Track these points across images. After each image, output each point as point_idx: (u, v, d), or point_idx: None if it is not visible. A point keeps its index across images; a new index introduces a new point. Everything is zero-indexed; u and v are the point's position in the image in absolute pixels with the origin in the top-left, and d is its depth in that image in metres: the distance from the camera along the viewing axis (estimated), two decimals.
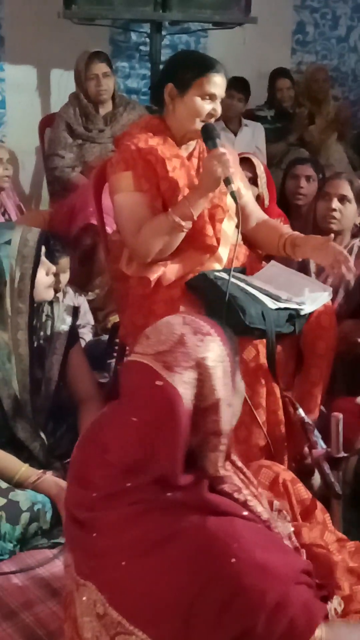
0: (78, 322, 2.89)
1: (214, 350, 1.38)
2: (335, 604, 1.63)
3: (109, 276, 3.08)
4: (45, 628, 1.83)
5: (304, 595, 1.40)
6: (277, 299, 2.54)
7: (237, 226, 2.58)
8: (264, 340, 2.45)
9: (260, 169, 3.68)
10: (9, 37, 5.14)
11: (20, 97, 5.27)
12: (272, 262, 2.79)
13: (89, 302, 3.56)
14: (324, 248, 2.61)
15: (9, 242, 2.35)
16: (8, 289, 2.33)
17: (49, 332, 2.51)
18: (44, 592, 1.95)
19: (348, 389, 2.81)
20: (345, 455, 2.27)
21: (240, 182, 2.74)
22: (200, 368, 1.36)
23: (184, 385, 1.35)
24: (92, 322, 3.52)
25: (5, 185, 4.35)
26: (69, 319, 2.59)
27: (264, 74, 5.74)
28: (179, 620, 1.34)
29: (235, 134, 5.14)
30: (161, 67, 4.15)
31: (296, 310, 2.53)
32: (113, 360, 3.18)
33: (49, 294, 2.48)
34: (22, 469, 2.21)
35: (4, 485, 2.16)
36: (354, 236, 3.13)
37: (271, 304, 2.50)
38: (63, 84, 5.16)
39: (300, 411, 2.44)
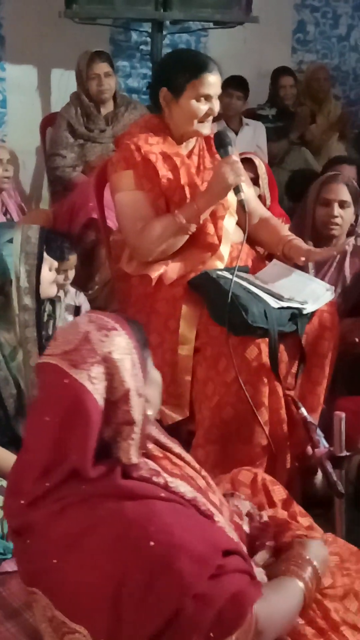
0: None
1: (120, 344, 1.42)
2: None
3: (111, 275, 3.08)
4: None
5: (234, 584, 1.40)
6: (279, 298, 2.54)
7: (244, 230, 2.59)
8: (267, 339, 2.45)
9: (262, 169, 3.68)
10: (10, 36, 5.14)
11: (21, 97, 5.27)
12: (274, 261, 2.79)
13: (90, 301, 3.56)
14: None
15: (11, 241, 2.36)
16: (14, 287, 2.33)
17: (50, 332, 2.52)
18: None
19: (347, 389, 2.82)
20: (348, 454, 2.27)
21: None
22: (107, 362, 1.41)
23: (93, 380, 1.39)
24: None
25: (6, 186, 4.34)
26: (70, 318, 2.59)
27: (265, 73, 5.73)
28: (109, 610, 1.36)
29: (237, 133, 5.13)
30: None
31: (298, 309, 2.53)
32: None
33: (53, 290, 2.50)
34: None
35: (6, 484, 2.16)
36: (348, 234, 3.13)
37: (274, 303, 2.50)
38: (63, 83, 5.16)
39: (303, 410, 2.44)
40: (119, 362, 1.42)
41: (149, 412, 1.48)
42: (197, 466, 1.66)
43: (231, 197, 2.66)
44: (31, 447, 1.47)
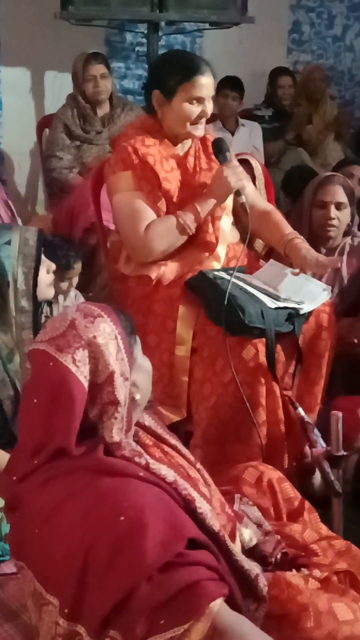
0: None
1: (104, 329, 1.50)
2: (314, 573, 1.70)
3: (108, 276, 3.08)
4: None
5: (192, 575, 1.41)
6: (276, 298, 2.54)
7: (244, 232, 2.60)
8: (264, 340, 2.45)
9: (259, 170, 3.67)
10: (4, 38, 5.14)
11: (16, 98, 5.26)
12: (271, 261, 2.79)
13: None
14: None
15: (9, 243, 2.36)
16: (11, 289, 2.33)
17: None
18: None
19: (344, 388, 2.82)
20: (345, 453, 2.27)
21: None
22: (92, 346, 1.48)
23: (77, 362, 1.46)
24: None
25: None
26: None
27: (260, 74, 5.73)
28: (76, 581, 1.38)
29: (233, 134, 5.14)
30: None
31: (295, 309, 2.54)
32: None
33: (51, 292, 2.50)
34: None
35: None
36: (345, 235, 3.14)
37: (270, 303, 2.51)
38: (57, 85, 5.16)
39: (300, 410, 2.44)
40: (103, 347, 1.48)
41: (137, 397, 1.55)
42: (192, 459, 1.71)
43: (228, 199, 2.67)
44: (23, 428, 1.56)
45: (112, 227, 3.05)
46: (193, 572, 1.41)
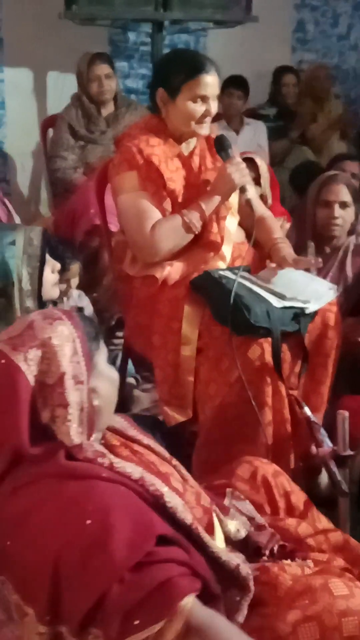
0: None
1: (62, 332, 1.51)
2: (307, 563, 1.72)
3: (113, 277, 3.08)
4: None
5: (163, 573, 1.40)
6: (282, 297, 2.54)
7: (249, 230, 2.59)
8: (270, 339, 2.45)
9: (264, 169, 3.69)
10: (8, 38, 5.14)
11: (19, 98, 5.27)
12: None
13: (94, 303, 3.57)
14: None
15: (13, 243, 2.36)
16: (16, 289, 2.34)
17: None
18: None
19: (350, 388, 2.81)
20: (352, 453, 2.26)
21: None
22: (45, 347, 1.49)
23: (29, 361, 1.48)
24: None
25: None
26: None
27: (264, 73, 5.73)
28: (49, 589, 1.38)
29: (237, 133, 5.13)
30: None
31: (301, 308, 2.53)
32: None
33: (56, 292, 2.50)
34: None
35: None
36: (349, 234, 3.13)
37: (276, 302, 2.50)
38: (59, 86, 5.17)
39: (306, 410, 2.44)
40: (58, 348, 1.49)
41: (95, 402, 1.54)
42: (166, 455, 1.72)
43: (233, 198, 2.66)
44: None
45: (114, 228, 3.05)
46: (164, 570, 1.41)
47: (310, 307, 2.55)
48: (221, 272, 2.56)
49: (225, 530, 1.74)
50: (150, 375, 2.83)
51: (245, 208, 2.73)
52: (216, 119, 2.78)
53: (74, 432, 1.50)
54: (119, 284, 2.90)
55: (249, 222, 2.72)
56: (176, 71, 2.60)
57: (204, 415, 2.53)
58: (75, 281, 3.02)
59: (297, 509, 1.96)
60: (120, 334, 3.34)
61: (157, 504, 1.50)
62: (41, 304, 2.39)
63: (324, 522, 1.98)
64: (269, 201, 3.63)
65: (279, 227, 2.87)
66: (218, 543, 1.66)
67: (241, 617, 1.56)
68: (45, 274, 2.40)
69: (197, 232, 2.61)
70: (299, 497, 1.99)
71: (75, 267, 2.97)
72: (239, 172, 2.58)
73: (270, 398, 2.45)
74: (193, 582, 1.44)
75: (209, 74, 2.58)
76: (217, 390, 2.48)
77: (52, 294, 2.47)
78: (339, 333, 2.65)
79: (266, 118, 5.48)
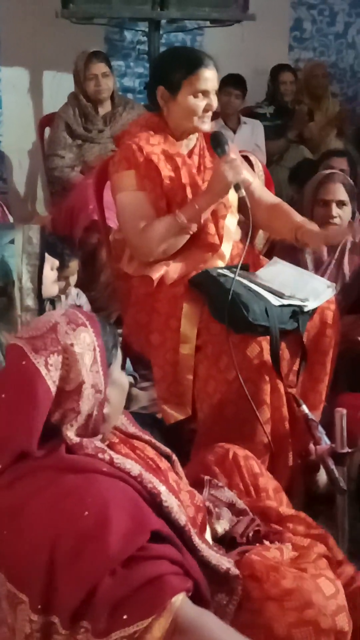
0: None
1: (84, 339, 1.51)
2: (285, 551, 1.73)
3: (111, 275, 3.08)
4: None
5: (154, 570, 1.41)
6: (280, 295, 2.54)
7: (247, 230, 2.59)
8: (268, 337, 2.45)
9: (259, 167, 3.67)
10: (4, 37, 5.14)
11: (16, 97, 5.28)
12: (275, 258, 2.79)
13: (92, 301, 3.57)
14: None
15: (12, 242, 2.37)
16: (16, 288, 2.34)
17: None
18: None
19: (349, 386, 2.82)
20: (350, 450, 2.27)
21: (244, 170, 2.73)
22: (67, 353, 1.49)
23: (49, 366, 1.48)
24: None
25: None
26: None
27: (261, 71, 5.73)
28: (43, 577, 1.39)
29: (234, 132, 5.13)
30: None
31: (299, 306, 2.54)
32: None
33: (55, 289, 2.52)
34: None
35: None
36: None
37: (274, 300, 2.50)
38: (56, 85, 5.17)
39: (304, 407, 2.45)
40: (79, 356, 1.49)
41: (106, 410, 1.55)
42: (167, 450, 1.74)
43: (232, 196, 2.66)
44: None
45: (113, 224, 3.05)
46: (156, 566, 1.42)
47: (309, 305, 2.56)
48: (220, 271, 2.56)
49: (212, 527, 1.78)
50: (149, 373, 2.83)
51: (252, 196, 2.69)
52: (213, 117, 2.78)
53: (72, 434, 1.51)
54: (117, 282, 2.90)
55: (246, 220, 2.71)
56: (176, 68, 2.60)
57: (203, 413, 2.53)
58: (73, 279, 3.02)
59: (265, 492, 1.98)
60: (118, 331, 3.34)
61: (154, 502, 1.51)
62: (41, 302, 2.39)
63: (292, 510, 1.99)
64: None
65: (295, 210, 2.81)
66: (207, 537, 1.69)
67: (228, 620, 1.55)
68: (45, 271, 2.40)
69: (191, 232, 2.60)
70: (267, 481, 2.01)
71: (74, 264, 2.96)
72: (233, 170, 2.55)
73: (269, 396, 2.46)
74: (184, 581, 1.45)
75: (208, 69, 2.60)
76: (215, 388, 2.49)
77: (51, 291, 2.48)
78: (337, 331, 2.66)
79: (263, 117, 5.47)
